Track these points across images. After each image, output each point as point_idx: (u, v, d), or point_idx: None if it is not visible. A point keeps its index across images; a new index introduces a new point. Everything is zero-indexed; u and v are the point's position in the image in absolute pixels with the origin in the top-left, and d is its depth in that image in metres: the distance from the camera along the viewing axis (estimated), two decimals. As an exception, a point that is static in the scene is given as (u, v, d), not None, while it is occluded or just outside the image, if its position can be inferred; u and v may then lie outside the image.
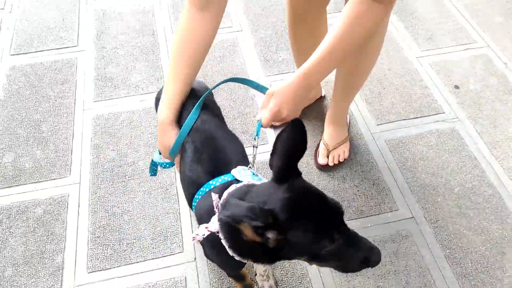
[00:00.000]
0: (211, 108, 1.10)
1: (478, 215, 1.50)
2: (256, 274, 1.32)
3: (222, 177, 0.92)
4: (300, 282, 1.33)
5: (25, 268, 1.37)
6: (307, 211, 0.70)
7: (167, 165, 1.16)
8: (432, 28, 2.14)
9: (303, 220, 0.69)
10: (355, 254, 0.73)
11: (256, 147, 0.94)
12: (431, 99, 1.84)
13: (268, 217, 0.65)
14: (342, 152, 1.61)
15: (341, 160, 1.60)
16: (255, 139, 0.94)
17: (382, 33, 1.27)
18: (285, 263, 1.37)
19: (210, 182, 0.92)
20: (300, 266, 1.36)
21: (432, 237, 1.45)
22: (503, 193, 1.56)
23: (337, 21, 0.91)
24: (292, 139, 0.77)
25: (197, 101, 1.04)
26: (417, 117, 1.78)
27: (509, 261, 1.39)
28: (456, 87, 1.89)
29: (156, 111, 1.15)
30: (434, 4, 2.26)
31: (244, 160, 1.02)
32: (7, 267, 1.37)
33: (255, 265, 1.27)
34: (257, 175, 0.92)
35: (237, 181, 0.89)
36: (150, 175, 1.23)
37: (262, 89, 1.02)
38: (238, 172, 0.91)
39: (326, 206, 0.72)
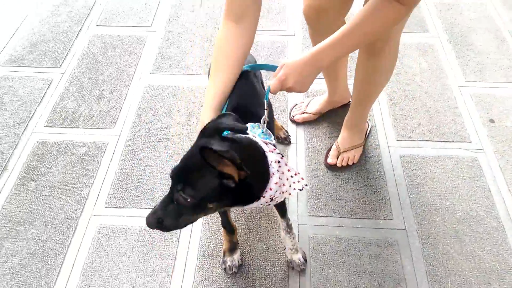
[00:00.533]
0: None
1: (474, 242, 1.48)
2: (285, 248, 1.42)
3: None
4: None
5: (58, 192, 1.64)
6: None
7: None
8: (484, 61, 2.12)
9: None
10: None
11: (266, 109, 1.06)
12: (461, 127, 1.83)
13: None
14: (352, 156, 1.68)
15: (349, 163, 1.68)
16: (265, 102, 1.07)
17: (396, 42, 1.34)
18: (267, 266, 1.48)
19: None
20: (281, 269, 1.47)
21: (418, 252, 1.46)
22: (508, 229, 1.52)
23: (359, 11, 1.00)
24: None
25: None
26: (440, 141, 1.79)
27: (493, 293, 1.37)
28: (492, 121, 1.86)
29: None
30: (494, 40, 2.23)
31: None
32: (46, 188, 1.65)
33: (284, 239, 1.39)
34: (265, 134, 1.03)
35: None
36: None
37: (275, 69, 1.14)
38: (252, 127, 1.02)
39: (182, 172, 0.90)
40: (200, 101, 1.96)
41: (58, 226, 1.54)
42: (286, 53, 2.17)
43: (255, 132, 1.01)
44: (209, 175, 0.85)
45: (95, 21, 2.39)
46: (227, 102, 1.13)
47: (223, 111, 1.10)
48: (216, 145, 0.87)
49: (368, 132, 1.79)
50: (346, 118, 1.70)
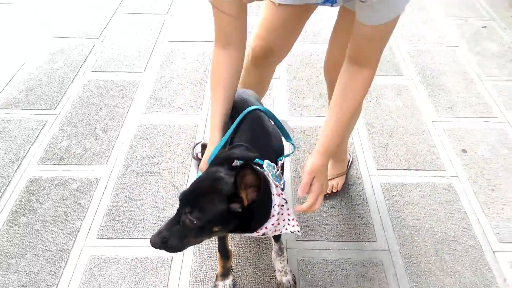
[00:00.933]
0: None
1: (454, 260, 1.55)
2: (275, 271, 1.46)
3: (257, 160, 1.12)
4: (267, 282, 1.48)
5: (50, 225, 1.67)
6: None
7: None
8: (455, 100, 2.30)
9: None
10: None
11: (278, 168, 1.12)
12: (436, 157, 1.96)
13: None
14: (336, 184, 1.77)
15: (333, 191, 1.76)
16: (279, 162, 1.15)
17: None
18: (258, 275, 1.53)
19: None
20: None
21: (402, 270, 1.52)
22: (484, 246, 1.60)
23: (334, 93, 1.14)
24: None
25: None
26: (417, 169, 1.90)
27: (475, 308, 1.42)
28: (464, 151, 2.00)
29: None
30: (463, 81, 2.43)
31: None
32: (38, 222, 1.69)
33: (274, 260, 1.43)
34: (277, 177, 1.09)
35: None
36: None
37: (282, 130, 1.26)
38: (268, 165, 1.08)
39: (192, 195, 0.97)
40: (190, 137, 2.06)
41: (50, 258, 1.56)
42: (272, 94, 2.32)
43: (270, 170, 1.08)
44: (217, 200, 0.92)
45: (90, 68, 2.53)
46: (229, 135, 1.19)
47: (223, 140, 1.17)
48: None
49: (350, 162, 1.89)
50: None
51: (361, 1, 0.96)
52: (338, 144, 1.17)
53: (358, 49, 1.09)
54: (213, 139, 1.19)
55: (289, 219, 1.07)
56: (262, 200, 0.98)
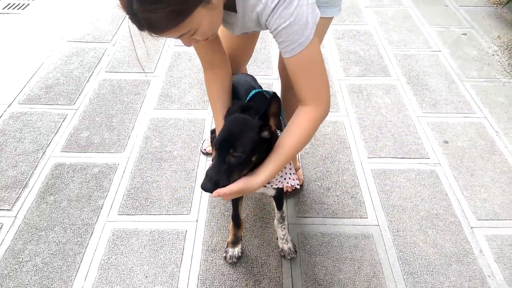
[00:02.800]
0: None
1: (436, 234, 1.76)
2: (277, 239, 1.66)
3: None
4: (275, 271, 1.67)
5: (75, 203, 1.86)
6: None
7: None
8: (437, 98, 2.53)
9: None
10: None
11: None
12: (420, 147, 2.18)
13: None
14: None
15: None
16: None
17: None
18: (263, 256, 1.72)
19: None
20: (275, 259, 1.71)
21: (390, 241, 1.72)
22: (463, 223, 1.81)
23: (283, 132, 1.18)
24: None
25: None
26: (404, 158, 2.12)
27: (454, 271, 1.62)
28: (446, 142, 2.22)
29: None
30: (445, 82, 2.67)
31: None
32: (64, 201, 1.87)
33: (276, 227, 1.62)
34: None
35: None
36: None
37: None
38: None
39: (230, 139, 1.14)
40: (199, 129, 2.26)
41: (76, 231, 1.75)
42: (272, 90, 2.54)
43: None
44: (251, 133, 1.11)
45: (104, 68, 2.74)
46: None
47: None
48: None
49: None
50: None
51: (273, 37, 1.09)
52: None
53: (295, 84, 1.15)
54: None
55: (290, 174, 1.27)
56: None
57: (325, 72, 1.15)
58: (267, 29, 1.11)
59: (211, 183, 1.09)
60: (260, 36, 1.73)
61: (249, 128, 1.12)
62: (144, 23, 0.92)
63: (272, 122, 1.14)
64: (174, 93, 2.54)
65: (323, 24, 1.44)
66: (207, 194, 1.89)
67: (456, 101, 2.50)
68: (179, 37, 1.03)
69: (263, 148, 1.15)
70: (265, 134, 1.14)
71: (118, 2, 0.93)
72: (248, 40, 1.60)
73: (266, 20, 1.06)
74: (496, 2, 3.57)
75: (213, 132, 1.99)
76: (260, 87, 1.47)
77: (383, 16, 3.40)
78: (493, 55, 2.91)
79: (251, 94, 1.38)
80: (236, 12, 1.13)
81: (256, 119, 1.14)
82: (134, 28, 0.96)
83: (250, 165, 1.15)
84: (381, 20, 3.34)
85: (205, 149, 2.12)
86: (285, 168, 1.28)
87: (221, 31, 1.36)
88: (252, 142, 1.11)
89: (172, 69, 2.75)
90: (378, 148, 2.17)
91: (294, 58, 1.09)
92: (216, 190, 1.10)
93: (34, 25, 3.22)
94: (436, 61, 2.85)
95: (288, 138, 1.16)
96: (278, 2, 1.01)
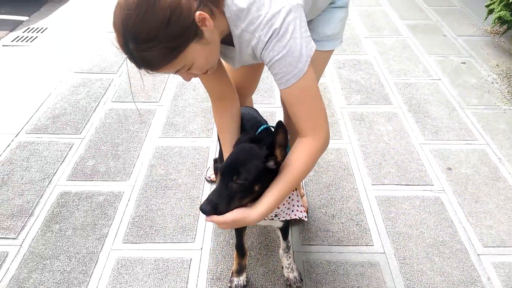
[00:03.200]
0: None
1: (442, 261, 1.74)
2: (283, 268, 1.65)
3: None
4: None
5: (81, 231, 1.86)
6: None
7: None
8: (439, 125, 2.56)
9: None
10: None
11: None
12: (424, 174, 2.19)
13: None
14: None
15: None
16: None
17: None
18: (269, 285, 1.71)
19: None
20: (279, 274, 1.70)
21: (397, 269, 1.71)
22: (470, 250, 1.79)
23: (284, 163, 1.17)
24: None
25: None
26: (408, 184, 2.13)
27: (462, 300, 1.60)
28: (449, 169, 2.23)
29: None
30: (445, 109, 2.70)
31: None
32: (69, 229, 1.87)
33: (281, 257, 1.62)
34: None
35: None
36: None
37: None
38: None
39: (233, 165, 1.16)
40: (204, 157, 2.28)
41: (81, 260, 1.74)
42: (275, 118, 2.58)
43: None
44: (257, 161, 1.13)
45: (110, 98, 2.79)
46: None
47: None
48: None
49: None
50: None
51: (266, 66, 1.10)
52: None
53: (292, 116, 1.16)
54: None
55: (298, 206, 1.28)
56: None
57: (322, 103, 1.15)
58: (263, 61, 1.14)
59: (210, 206, 1.10)
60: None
61: (255, 157, 1.14)
62: (140, 61, 0.98)
63: (278, 153, 1.15)
64: (178, 121, 2.58)
65: (325, 57, 1.49)
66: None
67: (457, 128, 2.53)
68: (176, 73, 1.06)
69: (268, 178, 1.16)
70: (271, 164, 1.15)
71: (116, 44, 0.99)
72: (254, 72, 1.64)
73: (261, 54, 1.09)
74: (493, 32, 3.66)
75: (216, 161, 2.01)
76: (266, 122, 1.50)
77: (382, 46, 3.48)
78: (493, 83, 2.96)
79: (260, 129, 1.39)
80: (234, 46, 1.17)
81: (264, 149, 1.16)
82: (132, 65, 1.01)
83: (253, 195, 1.15)
84: (381, 50, 3.42)
85: (209, 177, 2.14)
86: (292, 200, 1.29)
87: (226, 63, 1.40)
88: (256, 171, 1.12)
89: (177, 99, 2.80)
90: (381, 175, 2.18)
91: (288, 90, 1.10)
92: (210, 216, 1.11)
93: (43, 57, 3.31)
94: (436, 89, 2.90)
95: (287, 171, 1.15)
96: (271, 36, 1.03)
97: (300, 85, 1.08)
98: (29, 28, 3.82)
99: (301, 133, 1.16)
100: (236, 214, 1.12)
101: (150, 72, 1.03)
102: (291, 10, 1.03)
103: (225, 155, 1.38)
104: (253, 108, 1.63)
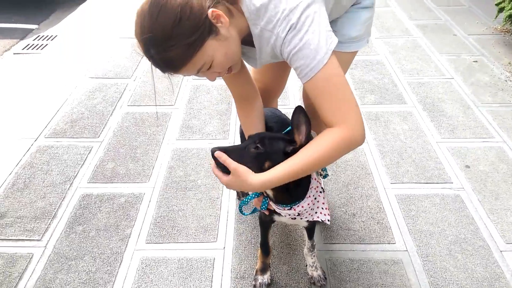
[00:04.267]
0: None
1: (465, 258, 1.74)
2: (307, 266, 1.66)
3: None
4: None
5: (104, 232, 1.88)
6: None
7: (251, 209, 1.47)
8: (455, 123, 2.56)
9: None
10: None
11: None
12: (442, 172, 2.19)
13: None
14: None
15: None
16: None
17: None
18: (293, 284, 1.72)
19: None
20: (304, 286, 1.71)
21: (420, 267, 1.71)
22: (492, 246, 1.79)
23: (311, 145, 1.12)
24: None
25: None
26: (427, 183, 2.13)
27: (487, 296, 1.60)
28: (467, 166, 2.23)
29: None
30: (460, 107, 2.70)
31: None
32: (92, 230, 1.89)
33: (306, 256, 1.64)
34: None
35: None
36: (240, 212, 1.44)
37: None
38: None
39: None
40: (221, 159, 2.30)
41: (106, 260, 1.76)
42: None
43: None
44: (281, 141, 1.18)
45: (126, 102, 2.82)
46: None
47: None
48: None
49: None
50: None
51: (287, 62, 1.10)
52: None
53: (317, 109, 1.11)
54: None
55: (322, 208, 1.29)
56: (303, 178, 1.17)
57: (350, 94, 1.07)
58: (283, 59, 1.14)
59: (222, 149, 1.12)
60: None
61: (281, 138, 1.20)
62: (163, 64, 1.03)
63: (297, 137, 1.17)
64: (195, 124, 2.60)
65: (349, 58, 1.50)
66: (233, 221, 1.92)
67: (473, 126, 2.53)
68: (199, 73, 1.08)
69: (279, 160, 1.13)
70: (289, 148, 1.18)
71: (140, 52, 1.04)
72: (281, 73, 1.66)
73: (280, 50, 1.10)
74: (504, 30, 3.66)
75: None
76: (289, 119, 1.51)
77: (393, 46, 3.49)
78: (506, 80, 2.96)
79: (288, 129, 1.40)
80: (254, 46, 1.19)
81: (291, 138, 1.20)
82: (154, 70, 1.08)
83: (259, 168, 1.13)
84: (392, 50, 3.43)
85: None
86: (317, 201, 1.30)
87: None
88: (276, 148, 1.16)
89: (191, 101, 2.82)
90: (400, 174, 2.18)
91: (310, 83, 1.07)
92: (218, 152, 1.11)
93: (55, 63, 3.35)
94: (450, 88, 2.90)
95: (304, 153, 1.09)
96: (288, 31, 1.04)
97: (322, 77, 1.04)
98: (39, 36, 3.86)
99: (326, 122, 1.09)
100: (239, 166, 1.09)
101: (174, 74, 1.07)
102: (309, 5, 1.03)
103: None
104: (277, 109, 1.65)
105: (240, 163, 1.11)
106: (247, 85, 1.41)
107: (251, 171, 1.11)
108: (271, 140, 1.18)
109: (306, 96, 1.67)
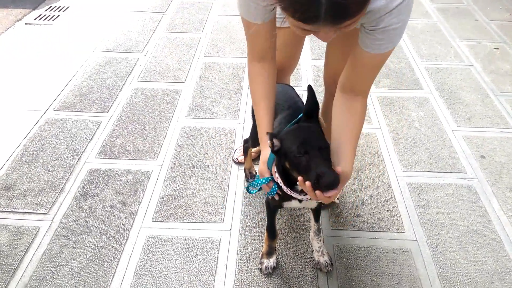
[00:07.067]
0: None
1: (476, 250, 1.70)
2: (313, 251, 1.64)
3: None
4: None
5: (111, 209, 1.87)
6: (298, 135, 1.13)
7: (258, 188, 1.39)
8: (472, 112, 2.49)
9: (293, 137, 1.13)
10: (310, 171, 1.06)
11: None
12: (457, 161, 2.13)
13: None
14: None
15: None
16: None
17: None
18: (299, 268, 1.70)
19: None
20: (311, 271, 1.68)
21: (429, 257, 1.68)
22: (505, 240, 1.75)
23: (336, 125, 1.26)
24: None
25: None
26: (440, 172, 2.07)
27: (497, 290, 1.56)
28: (483, 157, 2.17)
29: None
30: (478, 96, 2.62)
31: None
32: (99, 206, 1.89)
33: (312, 240, 1.61)
34: None
35: None
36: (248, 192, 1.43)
37: None
38: None
39: (313, 138, 1.13)
40: (230, 139, 2.26)
41: (112, 236, 1.75)
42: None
43: None
44: (322, 139, 1.15)
45: (136, 78, 2.78)
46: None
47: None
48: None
49: None
50: None
51: (368, 31, 1.07)
52: None
53: (357, 77, 1.21)
54: (266, 145, 1.29)
55: None
56: None
57: None
58: (362, 25, 1.09)
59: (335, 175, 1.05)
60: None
61: (317, 127, 1.21)
62: (331, 7, 0.83)
63: (320, 120, 1.21)
64: (204, 102, 2.55)
65: None
66: (240, 203, 1.89)
67: (491, 116, 2.45)
68: (337, 29, 0.92)
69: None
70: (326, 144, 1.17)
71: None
72: (296, 49, 1.61)
73: (379, 16, 1.04)
74: (529, 17, 3.52)
75: (246, 141, 1.99)
76: (302, 102, 1.47)
77: (412, 29, 3.38)
78: (528, 70, 2.85)
79: (299, 116, 1.34)
80: None
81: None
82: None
83: (282, 163, 1.19)
84: (411, 34, 3.32)
85: (237, 158, 2.12)
86: None
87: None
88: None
89: (202, 79, 2.77)
90: (413, 162, 2.13)
91: (378, 55, 1.12)
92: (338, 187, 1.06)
93: (67, 35, 3.31)
94: (469, 75, 2.81)
95: (352, 127, 1.24)
96: (399, 4, 1.01)
97: (387, 54, 1.13)
98: (51, 6, 3.81)
99: (362, 94, 1.24)
100: (340, 174, 1.08)
101: (333, 25, 0.88)
102: None
103: (260, 121, 1.34)
104: (290, 86, 1.60)
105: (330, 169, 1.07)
106: (271, 48, 1.31)
107: (339, 173, 1.08)
108: (322, 135, 1.16)
109: (329, 76, 1.67)
